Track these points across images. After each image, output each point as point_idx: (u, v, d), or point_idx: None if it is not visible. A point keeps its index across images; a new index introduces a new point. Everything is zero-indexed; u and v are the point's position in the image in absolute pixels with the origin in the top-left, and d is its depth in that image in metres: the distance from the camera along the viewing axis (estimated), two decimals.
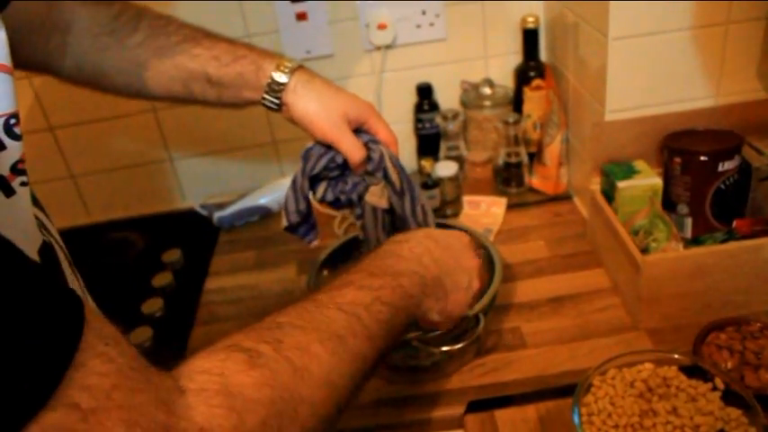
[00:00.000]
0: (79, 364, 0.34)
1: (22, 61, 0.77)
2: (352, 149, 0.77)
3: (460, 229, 0.97)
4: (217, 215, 1.25)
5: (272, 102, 0.78)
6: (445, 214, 1.16)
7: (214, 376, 0.43)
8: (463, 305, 0.70)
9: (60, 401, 0.33)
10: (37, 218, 0.53)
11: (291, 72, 0.77)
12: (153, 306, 1.04)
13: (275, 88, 0.77)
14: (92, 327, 0.36)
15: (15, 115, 0.46)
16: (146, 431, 0.36)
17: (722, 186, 0.92)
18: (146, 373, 0.39)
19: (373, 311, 0.55)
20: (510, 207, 1.18)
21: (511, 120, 1.16)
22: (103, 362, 0.36)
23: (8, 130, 0.46)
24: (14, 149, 0.47)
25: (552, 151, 1.15)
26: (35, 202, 0.54)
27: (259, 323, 0.50)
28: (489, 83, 1.24)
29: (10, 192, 0.47)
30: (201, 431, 0.40)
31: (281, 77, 0.76)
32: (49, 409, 0.32)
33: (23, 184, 0.48)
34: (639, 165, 0.97)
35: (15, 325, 0.32)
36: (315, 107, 0.77)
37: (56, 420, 0.32)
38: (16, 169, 0.47)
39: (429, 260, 0.65)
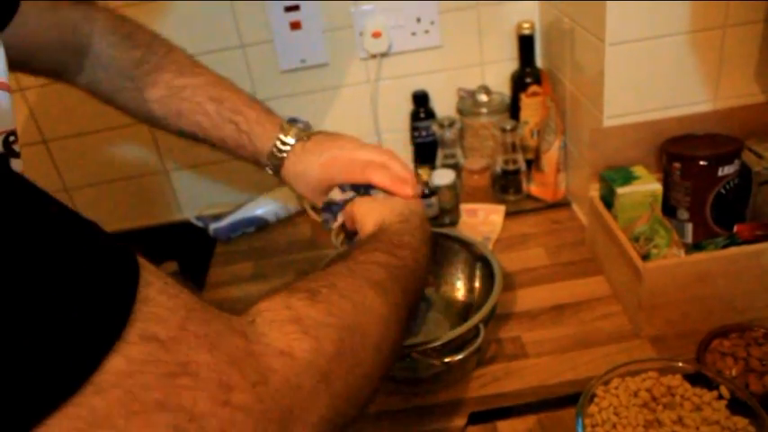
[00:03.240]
0: (145, 299, 0.34)
1: (34, 69, 0.80)
2: None
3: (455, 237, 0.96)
4: (213, 227, 1.24)
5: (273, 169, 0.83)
6: (443, 223, 1.15)
7: (281, 310, 0.45)
8: None
9: (137, 333, 0.33)
10: None
11: (286, 154, 0.81)
12: None
13: (275, 162, 0.82)
14: (146, 267, 0.36)
15: (14, 132, 0.46)
16: (230, 356, 0.37)
17: (722, 191, 0.91)
18: (211, 307, 0.39)
19: (403, 274, 0.60)
20: (508, 215, 1.17)
21: (508, 127, 1.16)
22: (169, 297, 0.36)
23: (7, 148, 0.45)
24: (14, 167, 0.46)
25: (550, 158, 1.14)
26: None
27: (309, 276, 0.53)
28: (485, 90, 1.23)
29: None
30: (282, 353, 0.40)
31: (273, 163, 0.82)
32: (129, 343, 0.32)
33: None
34: (638, 170, 0.97)
35: (76, 264, 0.32)
36: (300, 189, 0.83)
37: (138, 352, 0.32)
38: None
39: (426, 238, 0.70)
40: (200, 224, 1.27)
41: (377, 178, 0.76)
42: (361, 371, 0.47)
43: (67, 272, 0.32)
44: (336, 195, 0.79)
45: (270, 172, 0.83)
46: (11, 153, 0.46)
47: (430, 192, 1.14)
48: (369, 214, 0.72)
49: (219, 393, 0.35)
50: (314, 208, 1.25)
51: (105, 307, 0.32)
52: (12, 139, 0.46)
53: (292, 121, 0.82)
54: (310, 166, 0.79)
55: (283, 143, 0.80)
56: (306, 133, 0.81)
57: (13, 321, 0.29)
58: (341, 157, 0.79)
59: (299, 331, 0.43)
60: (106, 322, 0.32)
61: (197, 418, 0.33)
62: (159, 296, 0.35)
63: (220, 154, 1.28)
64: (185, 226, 1.29)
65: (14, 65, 0.75)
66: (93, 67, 0.79)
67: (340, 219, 0.79)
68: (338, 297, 0.49)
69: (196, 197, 1.33)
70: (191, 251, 1.23)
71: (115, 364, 0.31)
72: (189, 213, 1.32)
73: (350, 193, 0.78)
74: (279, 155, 0.80)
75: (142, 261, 0.36)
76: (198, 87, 0.81)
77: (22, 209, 0.32)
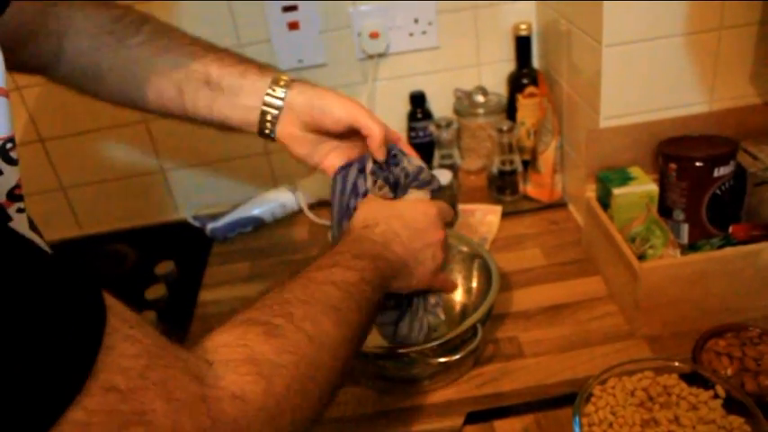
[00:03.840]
0: (109, 348, 0.35)
1: (13, 66, 0.76)
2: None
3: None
4: (210, 226, 1.24)
5: (272, 106, 0.75)
6: None
7: (238, 347, 0.46)
8: (426, 278, 0.75)
9: (98, 385, 0.34)
10: None
11: (287, 86, 0.75)
12: (146, 319, 1.03)
13: (276, 94, 0.75)
14: (114, 311, 0.37)
15: (11, 139, 0.45)
16: (183, 403, 0.38)
17: (718, 192, 0.91)
18: (172, 351, 0.41)
19: (360, 289, 0.60)
20: (505, 215, 1.17)
21: (504, 127, 1.16)
22: (132, 344, 0.37)
23: (4, 155, 0.45)
24: (11, 175, 0.46)
25: (546, 158, 1.15)
26: (32, 226, 0.53)
27: (266, 298, 0.54)
28: (482, 91, 1.23)
29: (6, 219, 0.45)
30: (234, 397, 0.42)
31: (278, 92, 0.75)
32: (89, 394, 0.33)
33: (20, 210, 0.47)
34: (635, 171, 0.97)
35: (43, 314, 0.33)
36: (291, 130, 0.77)
37: (97, 403, 0.34)
38: (13, 195, 0.46)
39: (397, 245, 0.70)
40: (197, 224, 1.27)
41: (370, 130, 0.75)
42: (307, 407, 0.49)
43: (33, 320, 0.33)
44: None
45: (265, 100, 0.75)
46: (8, 160, 0.46)
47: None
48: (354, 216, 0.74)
49: None
50: (311, 207, 1.25)
51: (70, 358, 0.33)
52: (9, 146, 0.45)
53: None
54: (330, 99, 0.75)
55: (284, 77, 0.76)
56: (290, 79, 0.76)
57: None
58: (335, 107, 0.76)
59: (253, 372, 0.45)
60: (69, 374, 0.33)
61: None
62: (123, 343, 0.36)
63: (218, 155, 1.29)
64: (182, 225, 1.29)
65: None
66: (73, 43, 0.75)
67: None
68: (294, 330, 0.51)
69: (193, 197, 1.33)
70: (187, 251, 1.23)
71: (74, 416, 0.33)
72: (186, 213, 1.32)
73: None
74: (282, 83, 0.75)
75: (110, 302, 0.37)
76: (186, 33, 0.77)
77: None
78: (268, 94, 0.75)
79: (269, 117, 0.76)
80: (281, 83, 0.75)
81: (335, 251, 0.65)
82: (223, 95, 0.75)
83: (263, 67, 0.77)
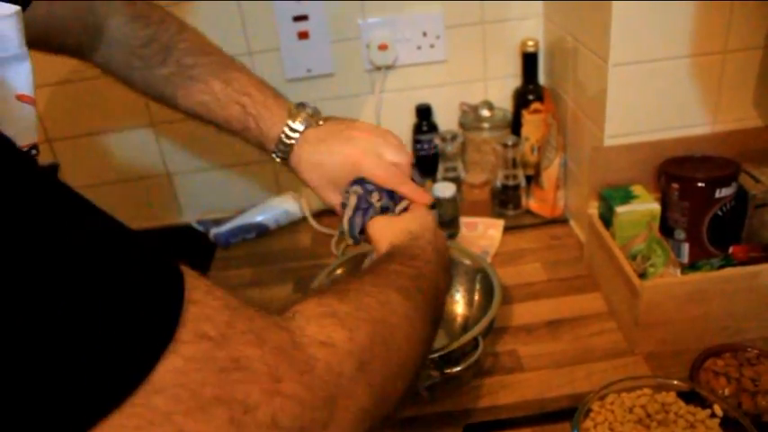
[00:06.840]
0: (194, 300, 0.36)
1: (56, 50, 0.79)
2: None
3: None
4: (213, 231, 1.25)
5: (282, 156, 0.79)
6: None
7: (317, 307, 0.47)
8: None
9: (191, 333, 0.35)
10: None
11: (295, 140, 0.78)
12: None
13: (283, 149, 0.79)
14: (189, 273, 0.38)
15: (36, 146, 0.46)
16: (277, 348, 0.39)
17: (719, 213, 0.92)
18: (253, 306, 0.41)
19: (420, 280, 0.60)
20: (507, 229, 1.18)
21: (509, 142, 1.17)
22: (214, 298, 0.38)
23: None
24: None
25: (550, 174, 1.16)
26: None
27: (333, 285, 0.55)
28: (488, 105, 1.24)
29: None
30: (323, 344, 0.43)
31: (281, 149, 0.79)
32: (184, 342, 0.34)
33: None
34: (637, 190, 0.98)
35: (131, 274, 0.34)
36: (313, 181, 0.79)
37: (192, 351, 0.34)
38: None
39: (437, 248, 0.70)
40: (200, 228, 1.28)
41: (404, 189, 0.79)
42: (392, 363, 0.49)
43: (123, 279, 0.33)
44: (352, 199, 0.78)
45: (277, 159, 0.80)
46: None
47: (430, 204, 1.15)
48: (383, 237, 0.73)
49: (270, 384, 0.37)
50: (315, 215, 1.26)
51: (159, 310, 0.34)
52: (34, 152, 0.46)
53: (300, 106, 0.79)
54: (330, 158, 0.77)
55: (292, 129, 0.78)
56: (315, 118, 0.79)
57: (75, 326, 0.30)
58: (368, 155, 0.78)
59: (335, 324, 0.45)
60: (161, 324, 0.34)
61: (251, 409, 0.35)
62: (205, 297, 0.37)
63: (224, 160, 1.30)
64: (186, 229, 1.30)
65: (34, 43, 0.75)
66: (106, 47, 0.79)
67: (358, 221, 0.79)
68: (365, 296, 0.52)
69: (198, 201, 1.34)
70: (190, 255, 1.21)
71: (172, 363, 0.33)
72: (190, 217, 1.33)
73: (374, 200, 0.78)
74: (287, 141, 0.78)
75: (185, 267, 0.38)
76: (206, 66, 0.80)
77: (76, 221, 0.34)
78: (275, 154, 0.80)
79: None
80: (284, 149, 0.79)
81: (390, 257, 0.66)
82: (249, 132, 0.80)
83: (272, 137, 0.79)
